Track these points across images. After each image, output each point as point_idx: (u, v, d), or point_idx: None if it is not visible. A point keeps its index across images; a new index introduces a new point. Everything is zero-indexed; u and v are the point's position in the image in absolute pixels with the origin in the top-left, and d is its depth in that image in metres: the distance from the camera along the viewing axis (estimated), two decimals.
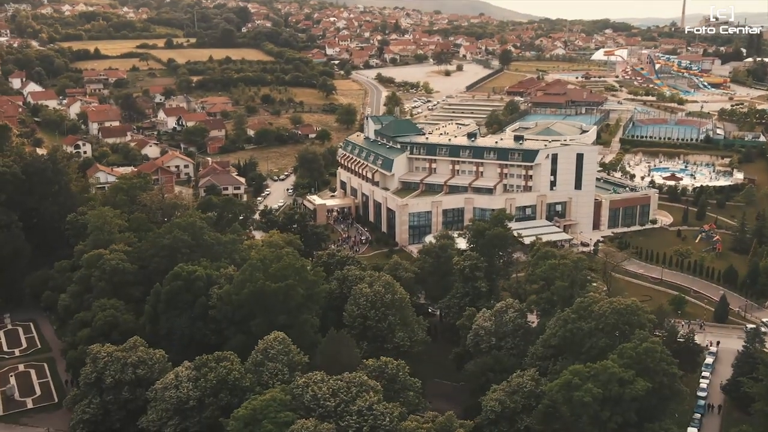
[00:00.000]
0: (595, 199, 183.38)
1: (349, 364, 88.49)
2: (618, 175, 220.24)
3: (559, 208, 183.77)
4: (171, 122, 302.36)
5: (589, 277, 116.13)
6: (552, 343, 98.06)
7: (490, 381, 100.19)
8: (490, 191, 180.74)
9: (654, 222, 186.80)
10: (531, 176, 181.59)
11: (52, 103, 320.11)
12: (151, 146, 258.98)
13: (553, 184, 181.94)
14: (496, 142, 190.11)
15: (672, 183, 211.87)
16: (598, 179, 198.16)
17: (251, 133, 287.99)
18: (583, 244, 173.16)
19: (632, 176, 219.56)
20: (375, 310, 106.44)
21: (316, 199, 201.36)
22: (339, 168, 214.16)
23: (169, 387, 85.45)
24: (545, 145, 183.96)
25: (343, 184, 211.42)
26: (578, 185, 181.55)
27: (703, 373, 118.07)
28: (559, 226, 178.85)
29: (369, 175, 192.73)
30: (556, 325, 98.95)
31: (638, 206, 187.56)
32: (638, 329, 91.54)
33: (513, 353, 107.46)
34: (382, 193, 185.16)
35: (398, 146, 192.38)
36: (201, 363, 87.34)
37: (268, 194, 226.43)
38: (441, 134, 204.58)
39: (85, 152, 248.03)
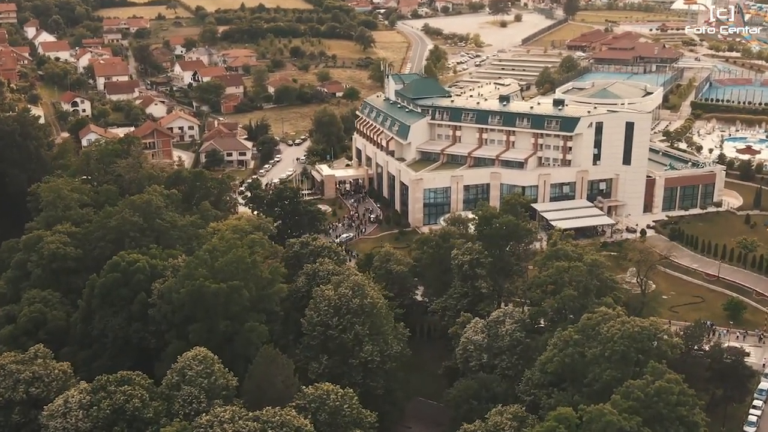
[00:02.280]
0: (648, 176, 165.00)
1: (282, 392, 76.00)
2: (683, 146, 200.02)
3: (602, 186, 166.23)
4: (187, 77, 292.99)
5: (613, 283, 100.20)
6: (549, 369, 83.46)
7: (473, 411, 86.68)
8: (520, 165, 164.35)
9: (719, 205, 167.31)
10: (570, 148, 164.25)
11: (64, 55, 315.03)
12: (156, 104, 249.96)
13: (596, 157, 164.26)
14: (532, 107, 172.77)
15: (746, 157, 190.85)
16: (654, 151, 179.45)
17: (271, 90, 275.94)
18: (629, 230, 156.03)
19: (699, 148, 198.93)
20: (339, 318, 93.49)
21: (324, 169, 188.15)
22: (355, 133, 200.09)
23: (55, 415, 74.40)
24: (588, 112, 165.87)
25: (358, 153, 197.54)
26: (627, 159, 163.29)
27: (755, 402, 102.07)
28: (601, 208, 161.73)
29: (384, 143, 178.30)
30: (555, 347, 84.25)
31: (700, 185, 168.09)
32: (653, 361, 76.04)
33: (508, 374, 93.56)
34: (396, 165, 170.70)
35: (419, 110, 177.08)
36: (99, 385, 76.09)
37: (277, 161, 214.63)
38: (470, 96, 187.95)
39: (83, 110, 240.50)
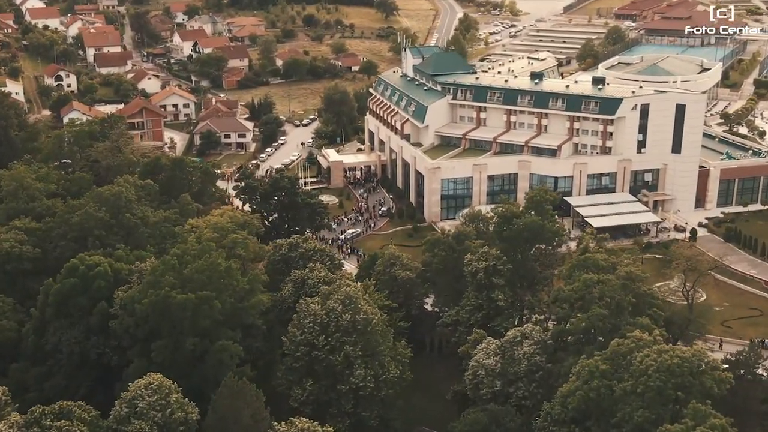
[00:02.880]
0: (701, 167, 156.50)
1: (250, 428, 69.95)
2: (743, 131, 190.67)
3: (648, 177, 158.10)
4: (187, 48, 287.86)
5: (652, 299, 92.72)
6: (571, 404, 76.52)
7: None
8: (553, 152, 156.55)
9: None
10: (611, 134, 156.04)
11: (54, 23, 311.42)
12: (150, 79, 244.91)
13: (641, 144, 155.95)
14: (568, 86, 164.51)
15: None
16: (709, 137, 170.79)
17: (279, 64, 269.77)
18: (678, 229, 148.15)
19: (761, 134, 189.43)
20: (326, 336, 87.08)
21: (331, 155, 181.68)
22: (367, 113, 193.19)
23: None
24: (633, 92, 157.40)
25: (371, 136, 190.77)
26: (677, 147, 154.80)
27: None
28: (646, 203, 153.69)
29: (398, 126, 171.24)
30: (579, 377, 77.26)
31: (762, 177, 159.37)
32: (695, 401, 68.76)
33: (525, 404, 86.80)
34: (411, 150, 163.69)
35: (438, 88, 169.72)
36: (32, 419, 70.41)
37: (281, 144, 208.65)
38: (498, 73, 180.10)
39: (68, 85, 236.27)
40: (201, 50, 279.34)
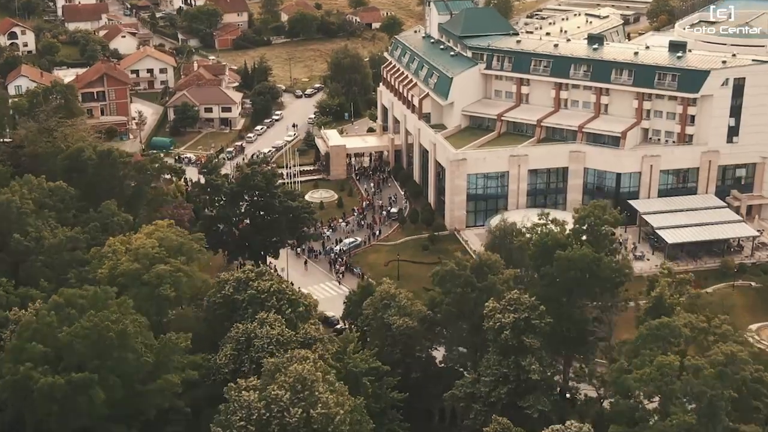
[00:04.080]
0: None
1: None
2: None
3: (741, 173, 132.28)
4: (177, 0, 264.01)
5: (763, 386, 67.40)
6: None
7: None
8: (615, 141, 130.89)
9: None
10: (692, 117, 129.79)
11: None
12: (124, 37, 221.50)
13: (732, 132, 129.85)
14: (636, 53, 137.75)
15: None
16: None
17: (285, 19, 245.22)
18: None
19: None
20: None
21: (332, 137, 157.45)
22: (381, 84, 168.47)
23: None
24: (723, 63, 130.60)
25: (384, 113, 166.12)
26: None
27: None
28: (737, 209, 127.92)
29: (416, 102, 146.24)
30: None
31: None
32: None
33: None
34: (431, 135, 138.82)
35: (468, 54, 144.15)
36: None
37: (276, 120, 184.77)
38: (547, 34, 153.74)
39: (24, 45, 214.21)
40: (193, 1, 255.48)
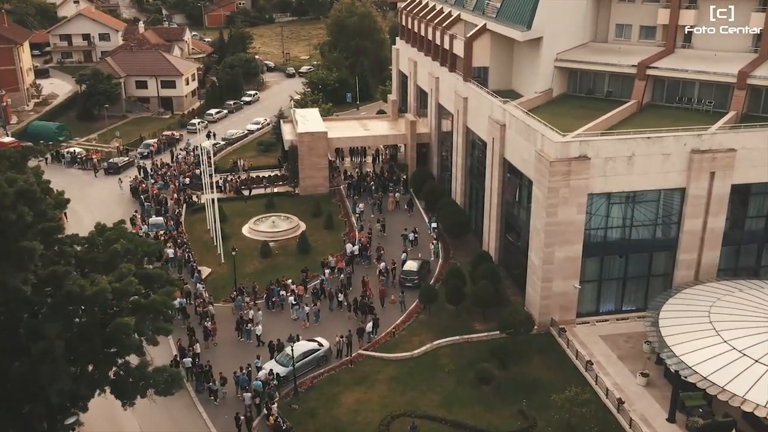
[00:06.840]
0: None
1: None
2: None
3: None
4: None
5: None
6: None
7: None
8: None
9: None
10: None
11: None
12: (77, 2, 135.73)
13: None
14: None
15: None
16: None
17: None
18: None
19: None
20: None
21: (304, 119, 69.96)
22: (397, 39, 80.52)
23: None
24: None
25: (401, 82, 78.88)
26: None
27: None
28: None
29: (459, 49, 58.59)
30: None
31: None
32: None
33: None
34: (495, 107, 51.03)
35: None
36: None
37: (246, 103, 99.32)
38: None
39: None
40: None
